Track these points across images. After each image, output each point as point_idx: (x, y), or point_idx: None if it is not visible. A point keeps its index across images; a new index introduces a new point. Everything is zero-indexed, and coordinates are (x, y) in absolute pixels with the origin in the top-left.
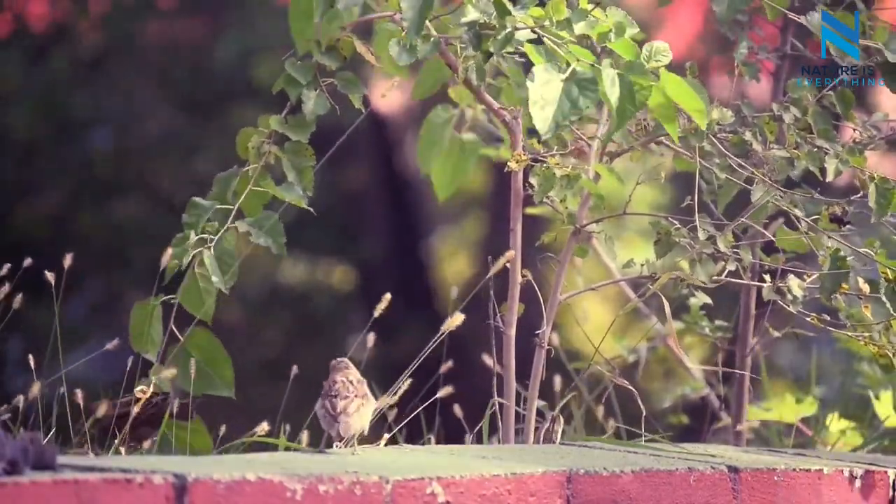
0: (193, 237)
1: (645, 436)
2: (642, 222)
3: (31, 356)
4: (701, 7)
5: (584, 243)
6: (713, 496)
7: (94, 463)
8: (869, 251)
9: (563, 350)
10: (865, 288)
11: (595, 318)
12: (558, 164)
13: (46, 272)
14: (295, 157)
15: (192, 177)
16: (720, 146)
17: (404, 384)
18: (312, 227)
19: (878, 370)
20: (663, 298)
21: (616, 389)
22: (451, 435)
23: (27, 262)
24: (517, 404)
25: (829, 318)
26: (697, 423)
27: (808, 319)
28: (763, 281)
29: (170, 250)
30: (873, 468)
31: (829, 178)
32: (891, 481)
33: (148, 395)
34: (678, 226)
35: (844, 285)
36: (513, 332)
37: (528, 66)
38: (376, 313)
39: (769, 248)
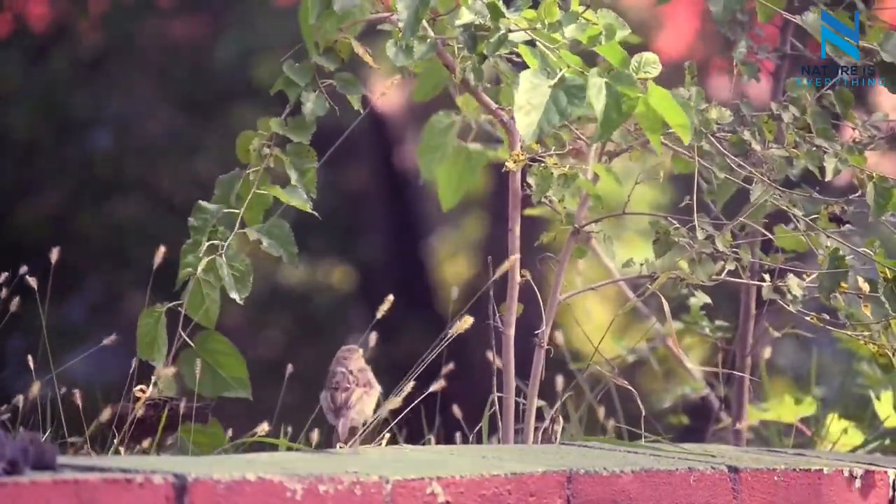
0: (205, 245)
1: (645, 436)
2: (642, 222)
3: (29, 356)
4: (700, 7)
5: (583, 243)
6: (713, 496)
7: (94, 463)
8: (868, 251)
9: (565, 350)
10: (865, 287)
11: (596, 317)
12: (556, 164)
13: (27, 277)
14: (297, 158)
15: (192, 177)
16: (719, 146)
17: (408, 387)
18: (312, 227)
19: (878, 370)
20: (662, 298)
21: (616, 389)
22: (451, 435)
23: (23, 269)
24: (517, 404)
25: (828, 318)
26: (697, 423)
27: (808, 319)
28: (763, 280)
29: (162, 248)
30: (873, 468)
31: (829, 177)
32: (891, 481)
33: (147, 394)
34: (677, 225)
35: (844, 284)
36: (512, 332)
37: (524, 68)
38: (379, 315)
39: (769, 248)
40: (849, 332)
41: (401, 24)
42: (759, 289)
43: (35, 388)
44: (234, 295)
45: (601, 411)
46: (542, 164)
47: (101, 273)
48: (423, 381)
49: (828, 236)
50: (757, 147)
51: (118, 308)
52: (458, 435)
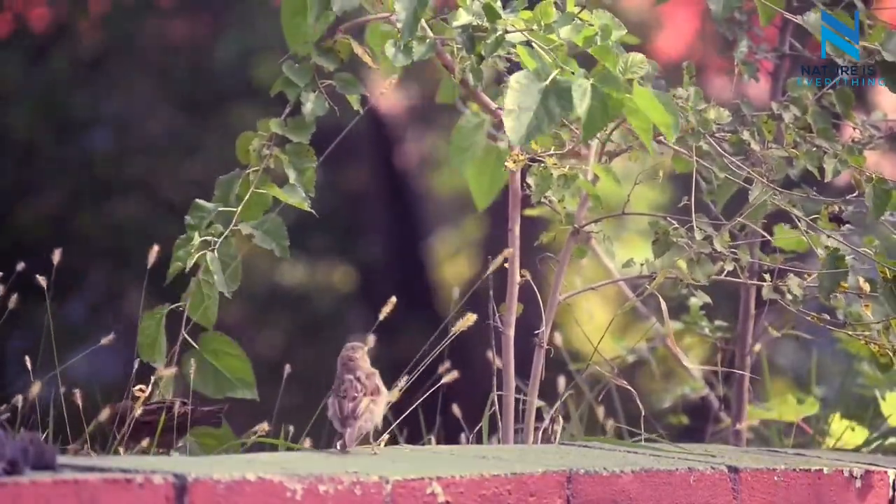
0: (197, 239)
1: (645, 436)
2: (641, 222)
3: (27, 357)
4: (699, 7)
5: (582, 243)
6: (713, 496)
7: (94, 463)
8: (867, 250)
9: (565, 350)
10: (865, 287)
11: (596, 318)
12: (556, 164)
13: (37, 276)
14: (297, 158)
15: (192, 177)
16: (717, 146)
17: (405, 382)
18: (312, 227)
19: (878, 370)
20: (661, 298)
21: (616, 389)
22: (452, 435)
23: (20, 266)
24: (517, 404)
25: (828, 318)
26: (697, 423)
27: (809, 318)
28: (763, 280)
29: (156, 247)
30: (873, 468)
31: (828, 177)
32: (891, 481)
33: (147, 394)
34: (676, 225)
35: (844, 284)
36: (512, 332)
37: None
38: (381, 316)
39: (769, 248)
40: (849, 332)
41: (399, 25)
42: (758, 289)
43: (35, 388)
44: (222, 288)
45: (601, 411)
46: (542, 165)
47: (101, 273)
48: (422, 379)
49: (828, 236)
50: (756, 147)
51: (118, 308)
52: (461, 435)
